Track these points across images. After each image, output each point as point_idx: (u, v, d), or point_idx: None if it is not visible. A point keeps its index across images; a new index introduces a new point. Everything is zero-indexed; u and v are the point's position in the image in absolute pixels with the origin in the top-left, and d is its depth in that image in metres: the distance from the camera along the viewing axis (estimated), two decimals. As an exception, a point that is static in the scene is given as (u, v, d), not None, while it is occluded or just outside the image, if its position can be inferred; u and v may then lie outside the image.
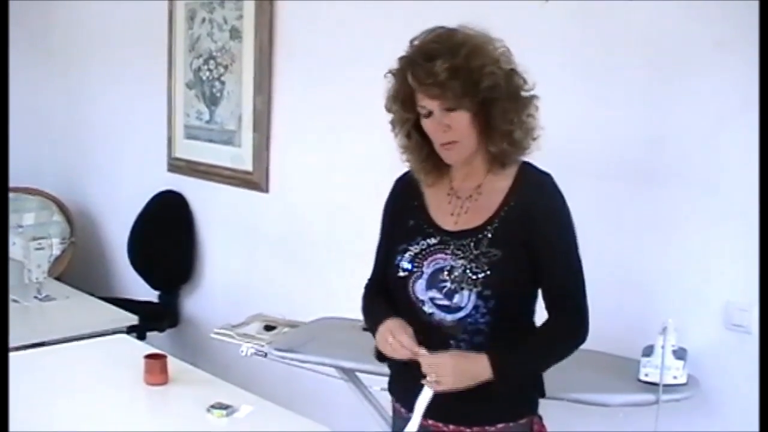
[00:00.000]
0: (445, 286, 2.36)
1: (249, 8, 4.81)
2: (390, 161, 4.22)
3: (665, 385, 3.05)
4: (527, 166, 2.44)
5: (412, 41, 2.36)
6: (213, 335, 3.86)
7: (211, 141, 5.20)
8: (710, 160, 3.22)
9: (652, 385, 3.06)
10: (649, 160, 3.34)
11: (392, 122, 2.46)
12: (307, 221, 4.67)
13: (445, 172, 2.48)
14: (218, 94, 5.10)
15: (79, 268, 5.86)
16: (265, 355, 3.56)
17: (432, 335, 2.37)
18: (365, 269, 4.40)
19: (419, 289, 2.40)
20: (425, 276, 2.39)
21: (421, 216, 2.48)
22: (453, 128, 2.32)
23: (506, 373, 2.31)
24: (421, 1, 3.93)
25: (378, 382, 3.23)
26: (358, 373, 3.51)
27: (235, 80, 4.98)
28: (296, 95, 4.67)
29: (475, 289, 2.32)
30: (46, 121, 6.44)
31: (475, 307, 2.33)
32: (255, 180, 4.90)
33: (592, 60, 3.45)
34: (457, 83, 2.26)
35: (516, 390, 2.39)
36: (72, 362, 3.37)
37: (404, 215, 2.52)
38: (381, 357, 2.51)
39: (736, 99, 3.14)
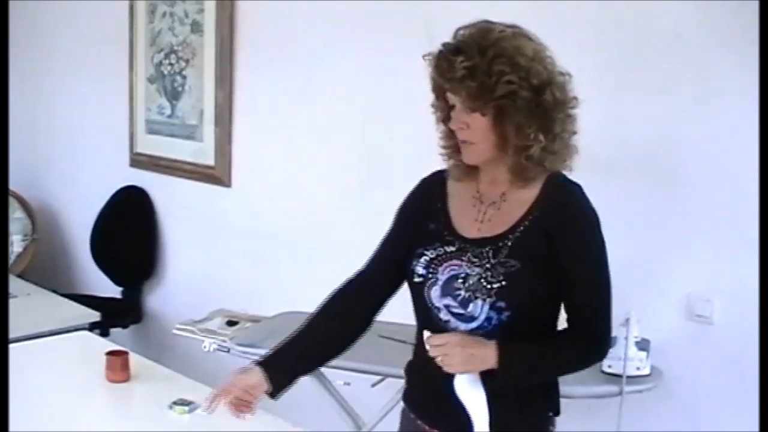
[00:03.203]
0: (459, 294, 2.27)
1: (210, 2, 4.79)
2: (351, 155, 4.21)
3: (628, 377, 3.06)
4: (555, 175, 2.31)
5: (456, 31, 2.26)
6: (175, 331, 3.84)
7: (173, 136, 5.17)
8: (669, 152, 3.24)
9: (616, 377, 3.07)
10: (607, 153, 3.33)
11: (433, 106, 2.38)
12: (270, 215, 4.66)
13: (476, 172, 2.37)
14: (180, 89, 5.07)
15: (41, 265, 5.81)
16: (228, 350, 3.55)
17: None
18: (326, 263, 4.40)
19: (435, 295, 2.32)
20: (440, 283, 2.31)
21: (442, 221, 2.38)
22: (471, 128, 2.24)
23: (510, 366, 2.21)
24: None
25: (341, 377, 3.23)
26: (321, 368, 3.49)
27: (196, 74, 4.95)
28: (258, 89, 4.65)
29: (489, 299, 2.23)
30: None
31: (488, 319, 2.24)
32: (217, 174, 4.88)
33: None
34: (474, 85, 2.17)
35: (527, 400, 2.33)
36: (33, 360, 3.32)
37: (425, 218, 2.41)
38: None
39: (693, 91, 3.15)
